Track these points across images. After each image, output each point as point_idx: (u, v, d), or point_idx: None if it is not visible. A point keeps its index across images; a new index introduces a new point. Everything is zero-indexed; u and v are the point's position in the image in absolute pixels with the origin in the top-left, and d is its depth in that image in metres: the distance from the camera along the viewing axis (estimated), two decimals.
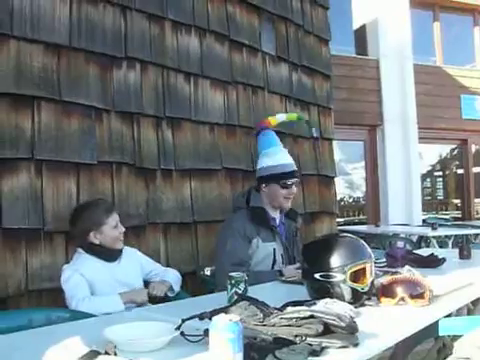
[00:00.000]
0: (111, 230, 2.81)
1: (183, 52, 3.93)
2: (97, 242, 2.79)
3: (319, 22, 5.33)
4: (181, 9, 3.94)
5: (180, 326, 1.70)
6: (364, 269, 2.18)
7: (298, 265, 3.06)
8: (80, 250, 2.80)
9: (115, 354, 1.35)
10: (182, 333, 1.67)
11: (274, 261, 3.23)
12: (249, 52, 4.48)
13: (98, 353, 1.30)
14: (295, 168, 3.44)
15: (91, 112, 3.33)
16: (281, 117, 4.00)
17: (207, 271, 3.44)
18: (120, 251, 2.87)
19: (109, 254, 2.81)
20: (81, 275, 2.64)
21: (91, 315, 2.31)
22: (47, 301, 2.96)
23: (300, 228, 3.59)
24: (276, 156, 3.45)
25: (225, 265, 2.99)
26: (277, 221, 3.39)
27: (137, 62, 3.62)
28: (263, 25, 4.64)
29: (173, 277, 3.00)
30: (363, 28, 10.06)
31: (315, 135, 4.57)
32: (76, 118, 3.25)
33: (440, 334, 2.13)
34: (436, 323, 2.08)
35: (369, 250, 2.24)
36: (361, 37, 10.10)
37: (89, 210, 2.86)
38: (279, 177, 3.34)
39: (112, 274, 2.77)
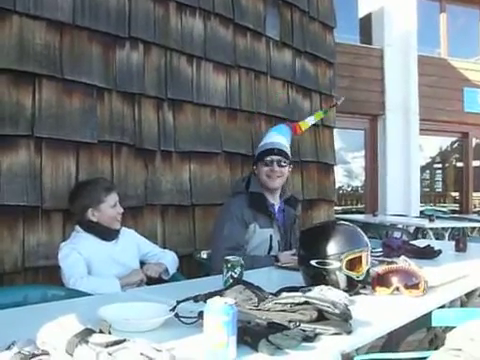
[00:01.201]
0: (109, 209, 2.82)
1: (187, 34, 3.91)
2: (95, 220, 2.80)
3: (324, 9, 5.30)
4: None
5: (175, 308, 1.71)
6: (360, 257, 2.18)
7: (294, 251, 3.07)
8: (78, 228, 2.81)
9: (109, 333, 1.36)
10: (177, 315, 1.67)
11: (270, 247, 3.23)
12: (253, 36, 4.46)
13: (92, 331, 1.30)
14: (280, 147, 3.39)
15: (93, 91, 3.32)
16: (310, 120, 4.07)
17: (203, 254, 3.45)
18: (117, 231, 2.87)
19: (106, 233, 2.82)
20: (79, 253, 2.64)
21: (86, 294, 2.32)
22: (43, 278, 2.97)
23: (299, 216, 3.59)
24: (267, 137, 3.49)
25: (221, 248, 2.99)
26: (276, 207, 3.38)
27: (140, 42, 3.60)
28: (268, 10, 4.61)
29: (170, 259, 3.01)
30: (368, 17, 10.00)
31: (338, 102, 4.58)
32: (77, 97, 3.24)
33: (433, 325, 2.15)
34: (429, 314, 2.09)
35: (366, 239, 2.25)
36: (366, 26, 10.03)
37: (89, 187, 2.87)
38: (262, 154, 3.36)
39: (109, 253, 2.78)
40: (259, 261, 2.98)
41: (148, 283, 2.78)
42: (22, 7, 2.99)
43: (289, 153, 3.44)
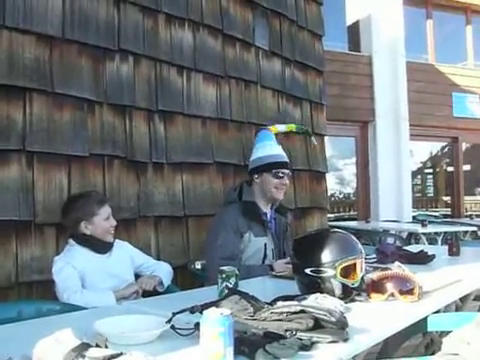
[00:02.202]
0: (102, 221, 2.82)
1: (176, 45, 3.92)
2: (88, 233, 2.79)
3: (313, 18, 5.32)
4: (175, 2, 3.92)
5: (171, 319, 1.71)
6: (355, 265, 2.19)
7: (288, 259, 3.07)
8: (71, 241, 2.80)
9: (106, 347, 1.35)
10: (173, 326, 1.67)
11: (265, 256, 3.24)
12: (242, 46, 4.48)
13: (89, 345, 1.30)
14: (287, 160, 3.48)
15: (83, 104, 3.32)
16: (281, 128, 4.10)
17: (198, 265, 3.44)
18: (111, 244, 2.87)
19: (100, 246, 2.81)
20: (73, 267, 2.64)
21: (82, 308, 2.31)
22: (37, 293, 2.96)
23: (290, 223, 3.61)
24: (269, 148, 3.48)
25: (216, 258, 2.99)
26: (268, 216, 3.40)
27: (130, 55, 3.61)
28: (257, 20, 4.63)
29: (165, 271, 3.00)
30: (356, 24, 10.07)
31: (315, 143, 4.59)
32: (68, 110, 3.24)
33: (429, 330, 2.16)
34: (425, 319, 2.10)
35: (360, 246, 2.26)
36: (354, 33, 10.10)
37: (82, 200, 2.87)
38: (271, 166, 3.37)
39: (103, 266, 2.77)
40: (254, 271, 2.99)
41: (143, 295, 2.77)
42: (11, 21, 2.99)
43: None
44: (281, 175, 3.36)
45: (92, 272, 2.70)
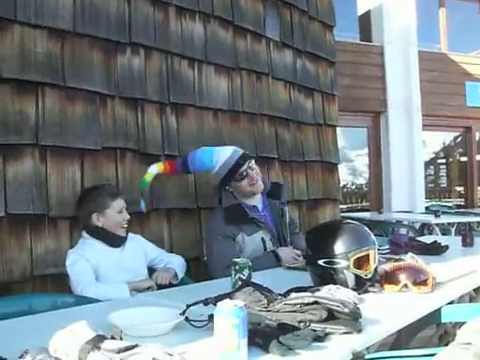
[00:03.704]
0: (114, 214, 2.83)
1: (187, 38, 3.91)
2: (100, 225, 2.81)
3: (324, 8, 5.29)
4: None
5: (185, 311, 1.72)
6: (368, 256, 2.19)
7: (292, 248, 3.08)
8: (85, 234, 2.83)
9: (121, 339, 1.36)
10: (187, 318, 1.68)
11: (265, 249, 3.22)
12: (253, 38, 4.46)
13: (104, 337, 1.31)
14: (241, 152, 3.36)
15: (95, 98, 3.32)
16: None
17: None
18: (124, 238, 2.88)
19: (113, 239, 2.83)
20: (86, 260, 2.66)
21: (96, 300, 2.33)
22: (52, 286, 2.98)
23: (286, 203, 3.54)
24: (216, 156, 3.36)
25: (218, 270, 2.98)
26: (260, 207, 3.37)
27: (141, 48, 3.61)
28: (267, 11, 4.61)
29: (178, 264, 3.01)
30: (367, 14, 9.98)
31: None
32: (80, 104, 3.25)
33: (443, 321, 2.15)
34: (439, 310, 2.10)
35: (373, 237, 2.25)
36: (365, 23, 10.01)
37: (95, 192, 2.90)
38: (232, 173, 3.29)
39: (116, 260, 2.79)
40: (260, 261, 2.91)
41: (157, 287, 2.78)
42: (23, 16, 3.00)
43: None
44: (245, 174, 3.28)
45: (106, 266, 2.72)
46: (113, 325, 1.53)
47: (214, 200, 3.46)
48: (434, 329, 2.68)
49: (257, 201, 3.38)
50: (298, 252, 3.11)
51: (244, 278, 2.27)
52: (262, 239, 3.22)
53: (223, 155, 3.35)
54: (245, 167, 3.30)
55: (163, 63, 3.75)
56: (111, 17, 3.45)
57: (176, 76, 3.81)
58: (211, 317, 1.53)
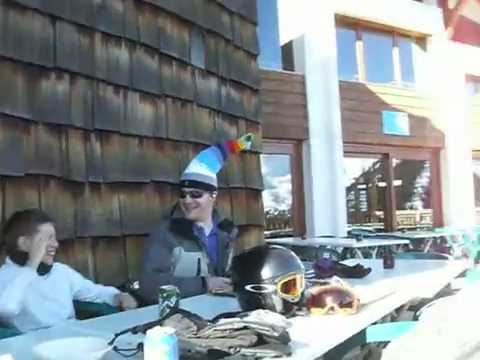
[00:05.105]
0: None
1: (113, 64, 3.90)
2: (26, 249, 2.70)
3: (248, 37, 5.40)
4: (111, 21, 3.90)
5: (113, 341, 1.69)
6: (295, 280, 2.22)
7: (226, 279, 3.09)
8: (9, 261, 2.73)
9: None
10: (115, 348, 1.65)
11: (199, 270, 3.24)
12: (179, 65, 4.49)
13: None
14: (193, 178, 3.37)
15: (18, 123, 3.24)
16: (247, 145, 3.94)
17: (136, 285, 3.41)
18: (49, 266, 2.80)
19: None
20: (3, 285, 2.55)
21: (21, 332, 2.25)
22: None
23: (233, 239, 3.59)
24: (186, 168, 3.49)
25: (147, 269, 3.13)
26: (207, 231, 3.39)
27: (66, 73, 3.55)
28: (193, 39, 4.66)
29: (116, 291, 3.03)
30: (290, 44, 10.27)
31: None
32: (2, 129, 3.16)
33: (368, 340, 2.21)
34: (364, 330, 2.15)
35: (299, 261, 2.30)
36: (288, 53, 10.29)
37: (24, 215, 2.83)
38: (179, 186, 3.41)
39: (38, 288, 2.69)
40: (186, 283, 2.95)
41: (80, 318, 2.72)
42: None
43: (209, 180, 3.40)
44: (183, 195, 3.34)
45: (28, 294, 2.62)
46: (40, 357, 1.48)
47: (164, 211, 3.54)
48: (359, 350, 2.74)
49: (207, 225, 3.41)
50: (227, 280, 3.12)
51: (172, 306, 2.25)
52: (199, 260, 3.23)
53: (191, 166, 3.45)
54: (187, 190, 3.33)
55: (88, 89, 3.70)
56: (35, 41, 3.39)
57: (101, 102, 3.78)
58: (140, 345, 1.51)
